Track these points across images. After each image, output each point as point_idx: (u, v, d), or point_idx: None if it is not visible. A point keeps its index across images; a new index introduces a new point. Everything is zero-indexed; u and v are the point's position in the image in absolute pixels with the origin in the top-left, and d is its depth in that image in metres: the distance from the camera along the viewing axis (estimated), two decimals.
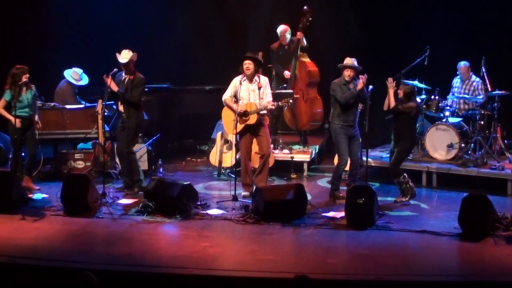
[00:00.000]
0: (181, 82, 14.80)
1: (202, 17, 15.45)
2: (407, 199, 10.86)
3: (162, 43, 15.23)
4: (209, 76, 14.93)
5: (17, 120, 10.90)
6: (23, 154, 11.46)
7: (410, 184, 10.89)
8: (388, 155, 11.89)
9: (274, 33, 13.55)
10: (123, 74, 11.16)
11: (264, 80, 11.16)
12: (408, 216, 10.23)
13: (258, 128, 11.10)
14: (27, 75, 11.07)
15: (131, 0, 15.11)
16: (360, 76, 10.78)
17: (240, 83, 11.02)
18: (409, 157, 11.83)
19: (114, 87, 10.96)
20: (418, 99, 11.75)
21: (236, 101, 10.98)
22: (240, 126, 11.02)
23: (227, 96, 11.19)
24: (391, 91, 10.77)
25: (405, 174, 10.93)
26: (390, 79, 10.85)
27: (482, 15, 13.77)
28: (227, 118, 11.29)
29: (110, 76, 10.93)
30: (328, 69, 12.53)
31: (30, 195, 10.87)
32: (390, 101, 10.75)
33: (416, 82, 12.30)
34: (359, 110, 11.09)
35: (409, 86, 11.01)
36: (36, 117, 11.37)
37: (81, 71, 13.17)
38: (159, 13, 15.25)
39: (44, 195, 11.05)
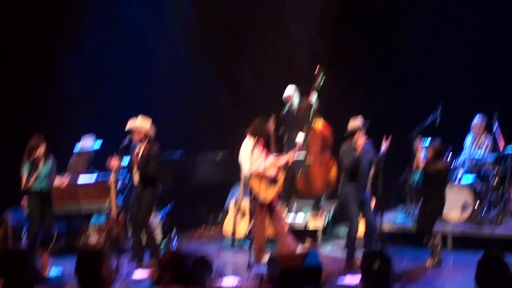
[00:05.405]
0: (192, 148, 14.80)
1: (210, 84, 15.57)
2: (432, 263, 10.71)
3: (173, 110, 15.29)
4: (219, 143, 14.97)
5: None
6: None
7: (439, 249, 10.79)
8: (403, 219, 11.89)
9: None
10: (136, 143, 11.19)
11: None
12: (425, 279, 10.14)
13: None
14: (43, 148, 11.02)
15: (142, 69, 15.18)
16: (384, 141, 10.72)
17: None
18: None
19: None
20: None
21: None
22: (272, 191, 11.01)
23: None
24: (418, 153, 10.72)
25: (438, 239, 10.83)
26: (417, 142, 10.82)
27: (494, 71, 13.76)
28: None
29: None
30: (340, 129, 12.28)
31: (45, 272, 10.84)
32: (418, 163, 10.69)
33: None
34: None
35: (435, 146, 10.72)
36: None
37: (93, 138, 13.25)
38: (170, 80, 15.34)
39: (58, 270, 11.04)
